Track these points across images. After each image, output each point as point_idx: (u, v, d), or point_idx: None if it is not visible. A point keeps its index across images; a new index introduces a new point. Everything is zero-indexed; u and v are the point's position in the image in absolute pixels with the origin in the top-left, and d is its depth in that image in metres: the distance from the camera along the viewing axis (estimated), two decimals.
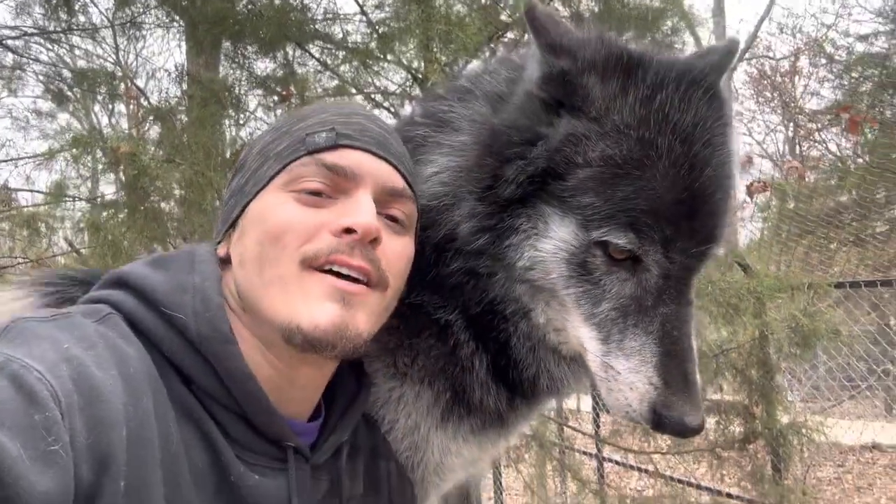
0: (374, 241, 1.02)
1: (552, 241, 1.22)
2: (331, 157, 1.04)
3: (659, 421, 1.17)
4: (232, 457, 0.95)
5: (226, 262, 1.08)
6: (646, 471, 6.59)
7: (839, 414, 8.93)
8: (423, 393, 1.37)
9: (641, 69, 1.22)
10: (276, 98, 4.97)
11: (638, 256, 1.18)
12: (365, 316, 1.01)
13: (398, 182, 1.10)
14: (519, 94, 1.29)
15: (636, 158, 1.16)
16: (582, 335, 1.24)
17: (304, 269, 0.98)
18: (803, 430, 4.57)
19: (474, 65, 1.55)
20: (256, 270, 1.00)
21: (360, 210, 1.01)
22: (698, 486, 5.87)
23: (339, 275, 0.99)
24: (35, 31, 6.40)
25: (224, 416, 0.96)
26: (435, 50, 3.17)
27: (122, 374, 0.84)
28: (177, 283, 0.99)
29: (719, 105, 1.25)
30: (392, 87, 5.09)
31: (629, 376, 1.19)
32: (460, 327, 1.35)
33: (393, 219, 1.10)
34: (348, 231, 0.99)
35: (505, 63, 1.44)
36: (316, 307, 0.97)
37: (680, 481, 5.80)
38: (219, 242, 1.12)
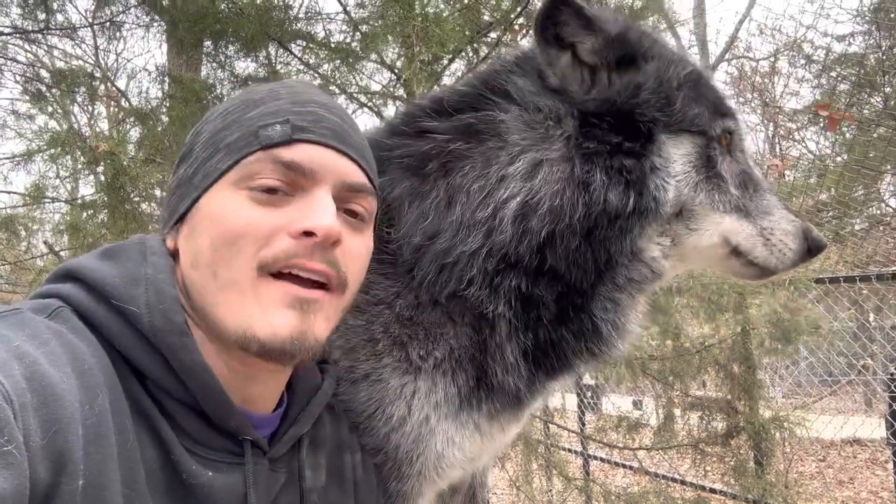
0: (335, 243, 0.98)
1: (678, 161, 1.41)
2: (287, 154, 0.98)
3: (814, 243, 1.47)
4: (183, 454, 0.92)
5: (175, 255, 1.03)
6: (630, 467, 6.63)
7: (820, 409, 9.03)
8: (438, 384, 1.41)
9: (636, 23, 1.54)
10: None
11: (733, 134, 1.48)
12: (323, 321, 0.99)
13: (358, 177, 1.05)
14: (572, 75, 1.44)
15: (695, 71, 1.48)
16: (726, 224, 1.45)
17: (261, 275, 0.94)
18: (785, 425, 4.62)
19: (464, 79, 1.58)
20: (210, 274, 0.95)
21: (320, 211, 0.96)
22: (682, 482, 5.92)
23: (297, 278, 0.95)
24: (12, 30, 6.32)
25: (179, 411, 0.93)
26: (416, 48, 3.16)
27: (77, 371, 0.81)
28: (128, 275, 0.95)
29: None
30: (375, 87, 5.09)
31: (781, 224, 1.47)
32: (502, 316, 1.40)
33: (352, 213, 1.05)
34: (307, 234, 0.95)
35: (499, 71, 1.53)
36: (274, 316, 0.93)
37: (664, 477, 5.84)
38: (166, 234, 1.06)
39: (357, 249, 1.05)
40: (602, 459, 7.25)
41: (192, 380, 0.92)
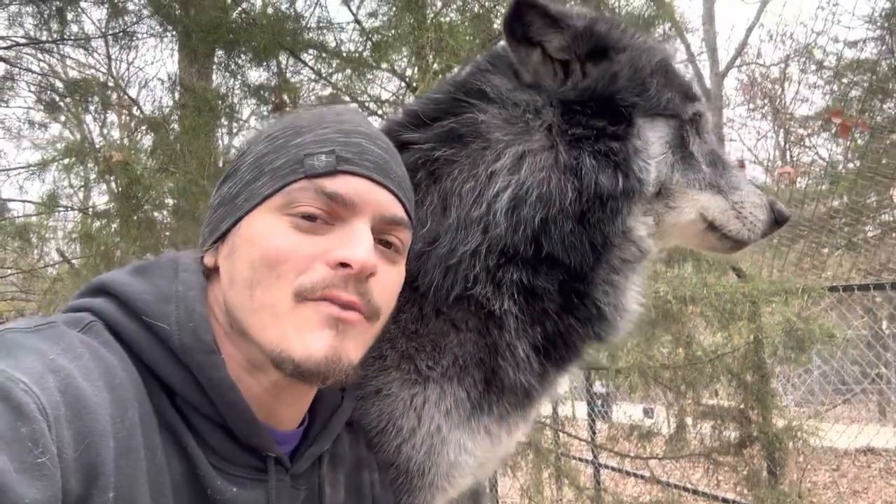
0: (370, 275, 0.99)
1: (655, 143, 1.49)
2: (330, 185, 1.00)
3: (779, 214, 1.59)
4: (209, 469, 0.93)
5: (213, 272, 1.05)
6: (642, 476, 6.59)
7: (833, 418, 8.95)
8: (447, 391, 1.43)
9: (601, 16, 1.62)
10: (269, 107, 4.97)
11: (701, 115, 1.57)
12: (354, 345, 1.00)
13: (397, 211, 1.07)
14: (543, 71, 1.51)
15: (663, 58, 1.55)
16: (702, 201, 1.55)
17: (298, 301, 0.95)
18: (799, 434, 4.58)
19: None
20: (247, 294, 0.97)
21: (357, 243, 0.98)
22: (694, 491, 5.88)
23: (332, 302, 0.97)
24: (27, 41, 6.40)
25: (205, 427, 0.95)
26: (428, 58, 3.17)
27: (109, 385, 0.83)
28: (160, 292, 0.97)
29: None
30: (385, 96, 5.10)
31: (750, 198, 1.57)
32: (509, 313, 1.43)
33: (387, 244, 1.07)
34: (344, 265, 0.96)
35: (474, 74, 1.59)
36: (310, 337, 0.95)
37: (676, 486, 5.80)
38: (206, 251, 1.08)
39: (390, 281, 1.07)
40: (613, 468, 7.21)
41: (218, 397, 0.93)
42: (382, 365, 1.43)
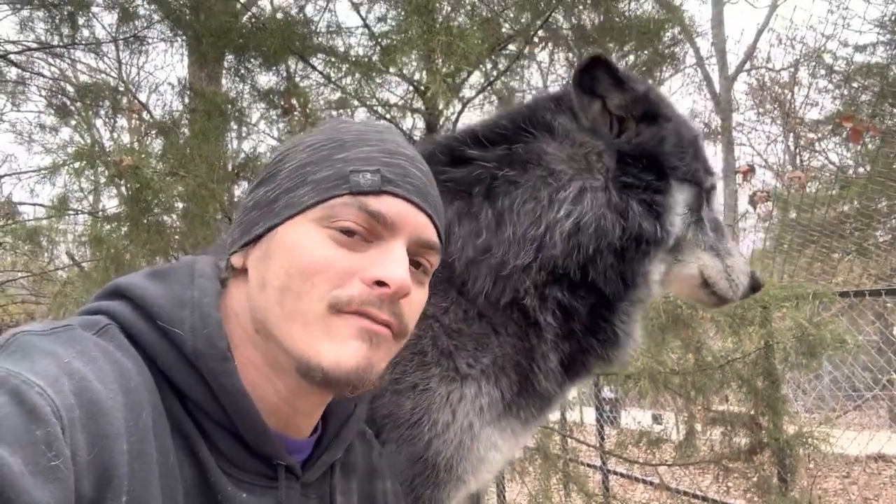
0: (404, 296, 1.00)
1: (681, 204, 1.71)
2: (374, 204, 1.00)
3: (756, 282, 1.83)
4: (220, 475, 0.93)
5: (239, 273, 1.05)
6: (651, 483, 6.56)
7: (844, 424, 8.88)
8: (483, 390, 1.57)
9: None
10: (278, 111, 4.98)
11: (715, 186, 1.81)
12: (384, 357, 1.01)
13: (431, 234, 1.08)
14: (601, 121, 1.71)
15: (696, 133, 1.79)
16: (703, 259, 1.77)
17: (331, 312, 0.96)
18: (810, 441, 4.53)
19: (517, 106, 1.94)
20: (278, 299, 0.97)
21: (395, 263, 0.98)
22: (704, 498, 5.85)
23: (366, 315, 0.97)
24: (38, 45, 6.44)
25: (216, 433, 0.95)
26: (437, 61, 3.17)
27: (123, 388, 0.83)
28: (175, 297, 0.97)
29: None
30: (394, 100, 5.11)
31: (739, 265, 1.80)
32: (549, 326, 1.62)
33: (417, 264, 1.08)
34: (380, 283, 0.97)
35: (537, 107, 1.78)
36: (342, 346, 0.95)
37: (685, 493, 5.77)
38: (234, 252, 1.07)
39: (418, 301, 1.07)
40: (622, 475, 7.18)
41: (230, 404, 0.93)
42: (422, 361, 1.55)
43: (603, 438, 7.29)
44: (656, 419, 8.67)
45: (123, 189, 4.13)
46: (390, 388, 1.52)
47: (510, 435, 1.63)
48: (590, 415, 7.89)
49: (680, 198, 1.70)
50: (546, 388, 1.63)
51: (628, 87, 1.69)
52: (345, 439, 1.15)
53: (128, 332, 0.93)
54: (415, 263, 1.07)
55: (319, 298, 0.96)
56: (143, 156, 3.45)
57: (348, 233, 0.99)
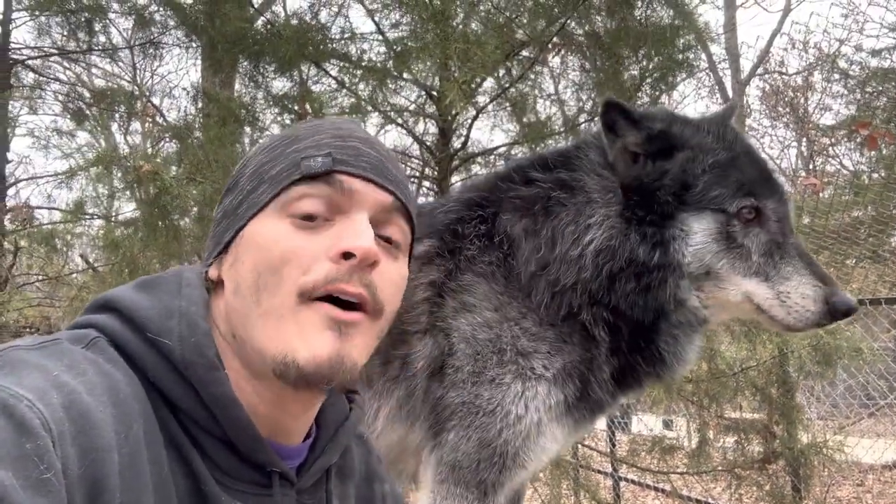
0: (373, 265, 0.98)
1: (699, 233, 1.72)
2: (328, 181, 1.01)
3: (834, 308, 1.65)
4: (213, 485, 0.93)
5: (217, 285, 1.05)
6: (663, 490, 6.51)
7: (858, 432, 8.78)
8: (554, 392, 1.75)
9: (691, 120, 1.88)
10: (292, 116, 5.01)
11: (761, 210, 1.73)
12: (360, 345, 0.99)
13: (394, 201, 1.07)
14: (622, 159, 1.84)
15: (730, 157, 1.77)
16: (746, 287, 1.72)
17: (301, 301, 0.94)
18: (824, 450, 4.50)
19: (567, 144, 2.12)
20: (253, 299, 0.96)
21: (358, 233, 0.97)
22: None
23: (335, 301, 0.96)
24: (55, 51, 6.51)
25: (208, 443, 0.94)
26: (453, 69, 3.18)
27: (113, 400, 0.82)
28: (163, 308, 0.96)
29: (734, 128, 1.92)
30: (407, 105, 5.12)
31: (799, 289, 1.68)
32: (603, 340, 1.78)
33: (388, 240, 1.06)
34: (346, 256, 0.96)
35: (585, 144, 1.96)
36: (312, 340, 0.94)
37: (698, 501, 5.72)
38: (209, 265, 1.07)
39: (392, 275, 1.05)
40: (633, 482, 7.13)
41: (221, 413, 0.93)
42: (500, 359, 1.75)
43: (614, 445, 7.25)
44: (667, 424, 8.61)
45: (140, 194, 4.16)
46: (470, 379, 1.74)
47: (567, 432, 1.80)
48: (601, 421, 7.83)
49: (697, 227, 1.72)
50: (600, 397, 1.79)
51: (643, 127, 1.81)
52: (340, 443, 1.14)
53: (117, 344, 0.92)
54: (386, 239, 1.06)
55: (289, 288, 0.95)
56: (162, 163, 3.47)
57: (308, 217, 0.99)
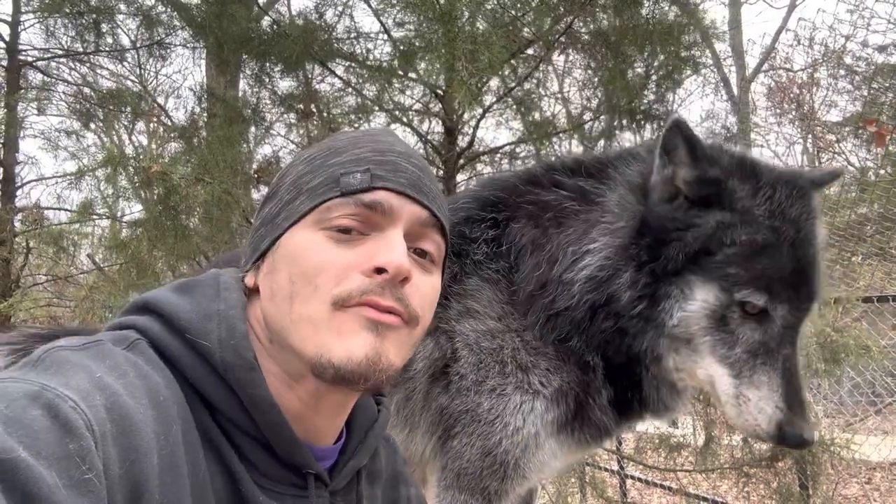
0: (405, 280, 1.00)
1: (696, 302, 1.58)
2: (367, 197, 1.02)
3: (783, 435, 1.53)
4: (251, 486, 0.94)
5: (253, 291, 1.07)
6: (669, 488, 6.51)
7: (865, 430, 8.75)
8: (550, 408, 1.72)
9: (761, 173, 1.63)
10: (297, 116, 5.02)
11: (767, 311, 1.55)
12: (395, 348, 1.00)
13: (430, 216, 1.08)
14: (662, 189, 1.65)
15: (769, 241, 1.55)
16: (715, 373, 1.60)
17: (336, 308, 0.96)
18: (832, 448, 4.48)
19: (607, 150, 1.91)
20: (287, 306, 0.99)
21: (391, 249, 0.99)
22: None
23: (371, 307, 0.98)
24: (63, 52, 6.54)
25: (246, 444, 0.96)
26: (460, 68, 3.18)
27: (153, 402, 0.84)
28: (202, 310, 0.98)
29: (811, 202, 1.66)
30: (412, 104, 5.13)
31: (760, 403, 1.55)
32: (598, 366, 1.71)
33: (422, 253, 1.08)
34: (379, 271, 0.97)
35: (631, 155, 1.79)
36: (349, 339, 0.96)
37: (704, 499, 5.72)
38: (247, 271, 1.10)
39: (425, 289, 1.07)
40: (639, 479, 7.13)
41: (259, 415, 0.95)
42: (502, 370, 1.73)
43: (620, 442, 7.25)
44: (674, 422, 8.60)
45: (148, 194, 4.18)
46: (473, 388, 1.73)
47: (567, 450, 1.77)
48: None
49: (699, 294, 1.58)
50: (601, 420, 1.75)
51: (701, 166, 1.60)
52: (370, 446, 1.16)
53: (157, 347, 0.94)
54: (420, 253, 1.08)
55: (323, 298, 0.96)
56: (172, 164, 3.49)
57: (345, 231, 1.01)
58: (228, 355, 0.94)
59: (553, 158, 2.08)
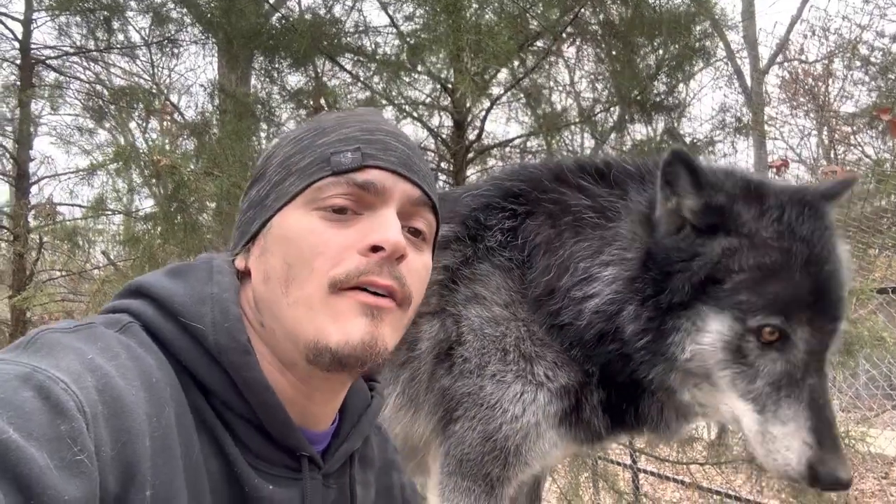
0: (401, 258, 1.00)
1: (710, 334, 1.51)
2: (358, 177, 1.02)
3: (816, 476, 1.41)
4: (246, 468, 0.95)
5: (244, 274, 1.07)
6: (682, 482, 6.48)
7: (881, 424, 8.66)
8: (552, 401, 1.73)
9: (767, 194, 1.57)
10: (307, 111, 5.04)
11: (788, 335, 1.46)
12: (390, 330, 1.01)
13: (421, 195, 1.09)
14: (667, 221, 1.61)
15: (780, 263, 1.48)
16: (737, 409, 1.53)
17: (332, 292, 0.96)
18: (847, 442, 4.44)
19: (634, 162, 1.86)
20: (282, 289, 0.98)
21: (387, 226, 0.99)
22: (737, 498, 5.76)
23: (366, 290, 0.98)
24: (75, 50, 6.60)
25: (240, 426, 0.97)
26: (465, 60, 3.17)
27: (145, 384, 0.84)
28: (196, 294, 0.98)
29: (824, 217, 1.57)
30: (421, 98, 5.12)
31: (786, 440, 1.46)
32: (596, 376, 1.72)
33: (415, 232, 1.08)
34: (375, 249, 0.98)
35: (649, 171, 1.75)
36: (346, 324, 0.96)
37: (717, 493, 5.68)
38: (236, 254, 1.09)
39: (417, 267, 1.07)
40: (652, 473, 7.10)
41: (253, 397, 0.95)
42: (504, 358, 1.73)
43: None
44: None
45: (159, 189, 4.21)
46: (476, 371, 1.74)
47: (565, 443, 1.79)
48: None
49: (712, 326, 1.51)
50: (590, 419, 1.75)
51: (706, 194, 1.56)
52: (363, 430, 1.16)
53: (150, 330, 0.94)
54: (413, 231, 1.08)
55: (319, 280, 0.96)
56: (181, 158, 3.51)
57: (339, 210, 1.01)
58: (222, 338, 0.94)
59: (585, 156, 2.11)
